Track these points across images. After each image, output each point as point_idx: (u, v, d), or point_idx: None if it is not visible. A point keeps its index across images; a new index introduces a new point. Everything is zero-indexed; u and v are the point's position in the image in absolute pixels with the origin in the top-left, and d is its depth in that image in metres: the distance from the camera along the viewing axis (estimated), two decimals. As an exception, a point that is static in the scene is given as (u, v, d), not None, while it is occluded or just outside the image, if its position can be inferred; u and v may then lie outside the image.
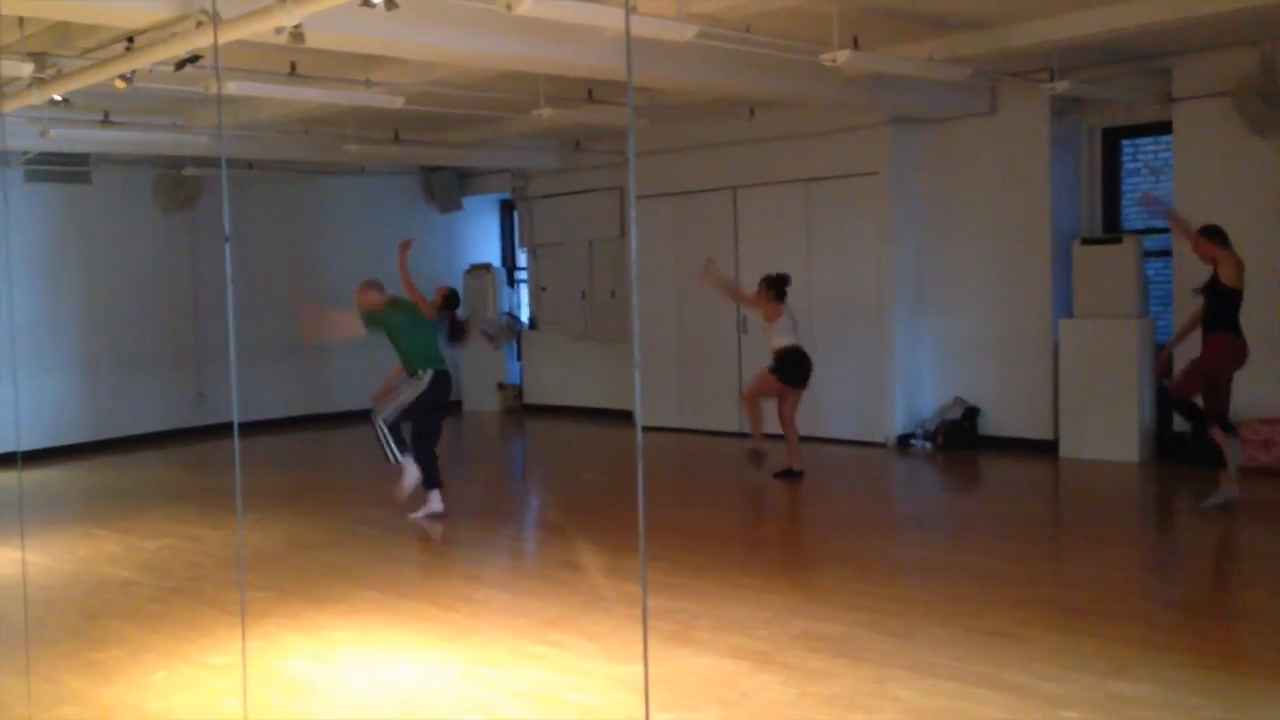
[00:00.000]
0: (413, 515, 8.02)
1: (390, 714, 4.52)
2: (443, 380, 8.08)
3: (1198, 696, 4.35)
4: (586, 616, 5.67)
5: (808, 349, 9.19)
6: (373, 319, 8.21)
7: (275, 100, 9.21)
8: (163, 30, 6.20)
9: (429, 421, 8.09)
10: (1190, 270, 9.17)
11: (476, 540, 7.70)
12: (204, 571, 6.92)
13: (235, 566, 6.99)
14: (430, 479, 8.03)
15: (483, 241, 15.64)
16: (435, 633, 5.53)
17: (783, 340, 9.01)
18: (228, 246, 6.49)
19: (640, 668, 4.94)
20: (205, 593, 6.41)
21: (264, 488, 9.77)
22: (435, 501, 8.06)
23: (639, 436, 2.69)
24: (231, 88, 7.38)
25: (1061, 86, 8.34)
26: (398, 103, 8.22)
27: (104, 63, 6.77)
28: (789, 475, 9.09)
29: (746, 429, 11.55)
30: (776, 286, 9.06)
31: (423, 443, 8.00)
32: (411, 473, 7.97)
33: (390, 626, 5.66)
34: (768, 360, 9.20)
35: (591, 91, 9.20)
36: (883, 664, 4.86)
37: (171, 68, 6.37)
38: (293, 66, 7.82)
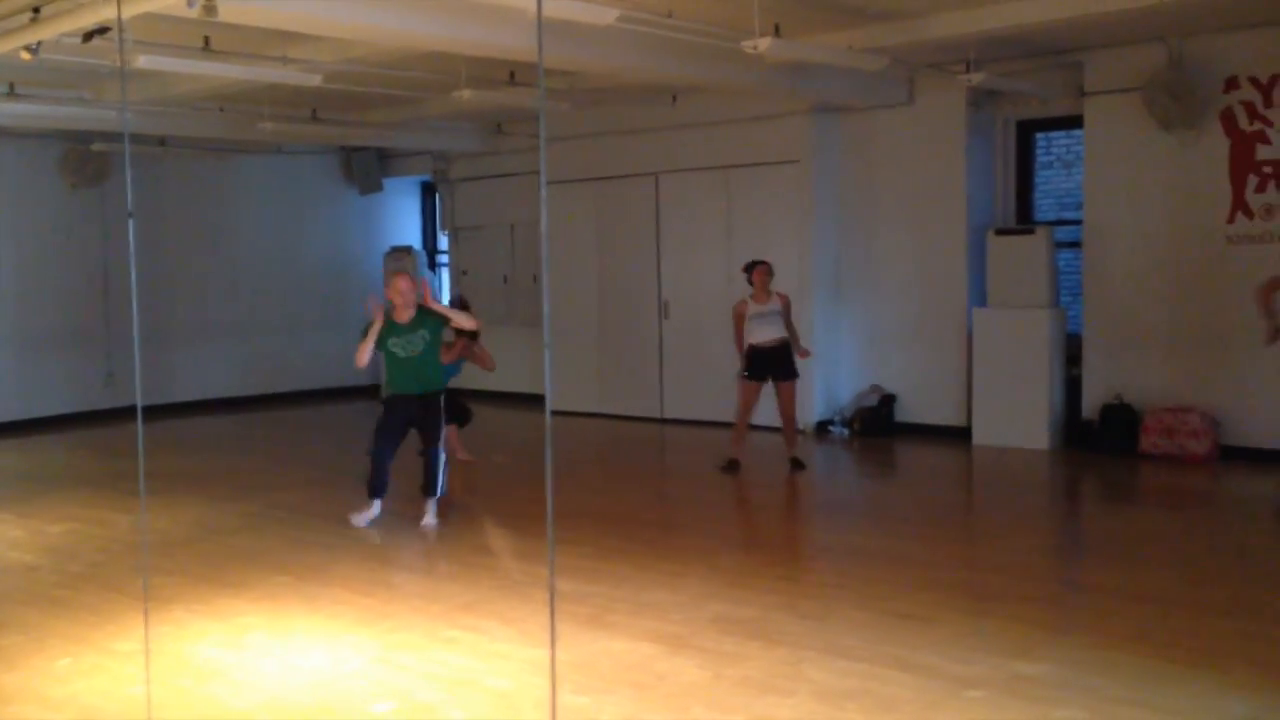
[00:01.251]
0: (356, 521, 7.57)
1: (303, 700, 4.47)
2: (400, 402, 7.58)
3: (1097, 676, 4.47)
4: (503, 601, 5.66)
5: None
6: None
7: (188, 76, 8.99)
8: (69, 0, 6.02)
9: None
10: (1100, 261, 9.41)
11: (393, 526, 7.63)
12: (111, 556, 6.77)
13: (152, 551, 6.85)
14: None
15: (403, 224, 15.47)
16: (349, 618, 5.48)
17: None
18: (131, 223, 6.34)
19: (542, 652, 4.93)
20: (111, 578, 6.28)
21: (176, 472, 9.57)
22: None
23: (549, 419, 2.69)
24: (141, 62, 7.19)
25: (977, 78, 8.48)
26: (314, 80, 8.08)
27: (8, 33, 6.56)
28: (796, 466, 8.97)
29: (669, 414, 11.64)
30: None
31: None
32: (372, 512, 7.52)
33: (303, 612, 5.59)
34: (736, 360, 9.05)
35: (514, 74, 9.13)
36: (797, 646, 4.92)
37: (79, 39, 6.19)
38: (206, 41, 7.64)
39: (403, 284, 7.44)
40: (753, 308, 8.76)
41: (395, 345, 7.44)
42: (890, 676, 4.52)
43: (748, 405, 8.89)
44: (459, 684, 4.58)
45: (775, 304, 8.78)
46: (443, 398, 7.60)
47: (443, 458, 7.49)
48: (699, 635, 5.10)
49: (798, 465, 8.89)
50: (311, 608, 5.66)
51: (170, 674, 4.75)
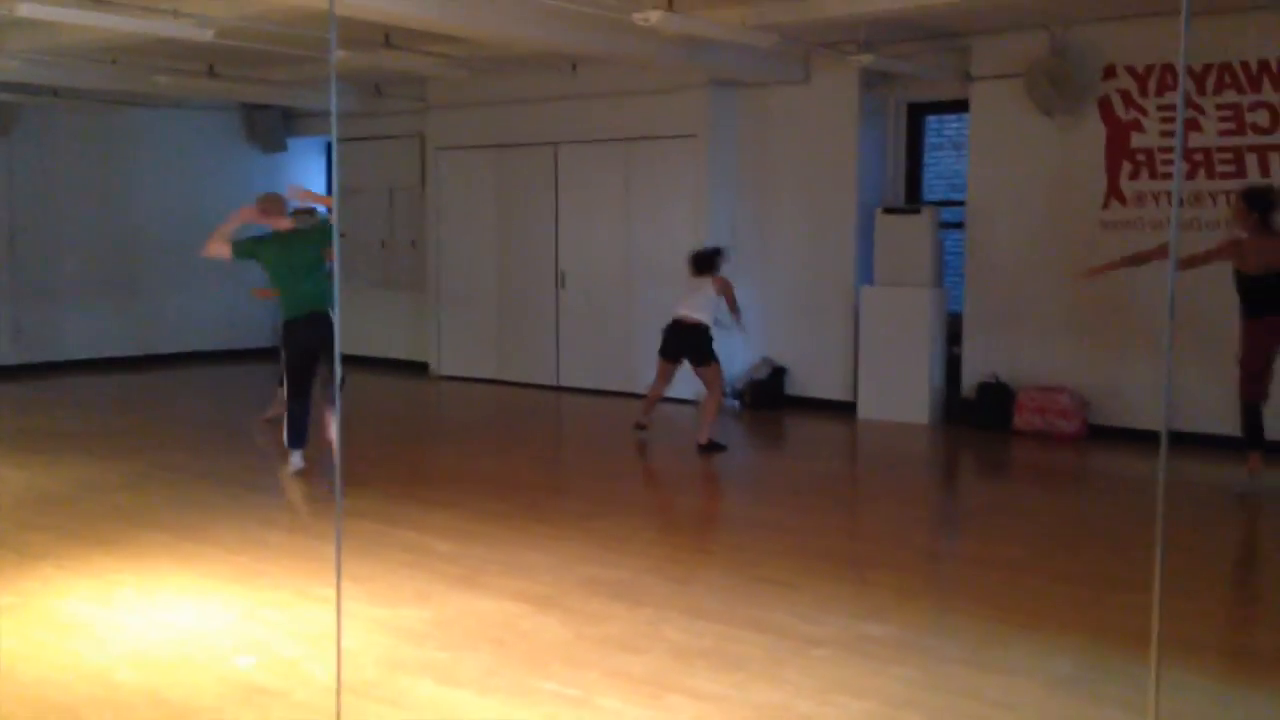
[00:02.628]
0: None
1: (164, 654, 4.51)
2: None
3: (936, 638, 4.72)
4: (358, 561, 5.66)
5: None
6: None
7: (78, 26, 8.81)
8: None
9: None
10: (981, 243, 9.70)
11: (275, 487, 7.64)
12: (-14, 513, 6.71)
13: (26, 508, 6.81)
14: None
15: (308, 184, 15.25)
16: (222, 575, 5.52)
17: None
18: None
19: (411, 611, 5.06)
20: (-16, 534, 6.22)
21: (64, 430, 9.48)
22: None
23: (337, 374, 2.77)
24: (23, 10, 7.05)
25: (867, 59, 8.68)
26: (206, 35, 7.98)
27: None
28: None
29: (565, 382, 11.75)
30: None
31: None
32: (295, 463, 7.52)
33: (176, 570, 5.61)
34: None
35: (388, 37, 9.11)
36: (659, 607, 5.08)
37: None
38: (95, -9, 7.52)
39: (269, 203, 7.33)
40: (692, 281, 8.80)
41: (281, 260, 7.21)
42: (743, 636, 4.71)
43: (660, 377, 8.96)
44: (323, 639, 4.65)
45: (709, 286, 8.72)
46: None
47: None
48: (567, 596, 5.24)
49: (704, 449, 8.65)
50: (184, 565, 5.68)
51: (32, 629, 4.76)
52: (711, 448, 8.62)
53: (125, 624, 4.88)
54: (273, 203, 7.55)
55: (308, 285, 7.37)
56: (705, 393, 8.98)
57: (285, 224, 7.40)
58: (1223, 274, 7.36)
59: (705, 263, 8.83)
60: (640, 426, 9.06)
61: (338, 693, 3.71)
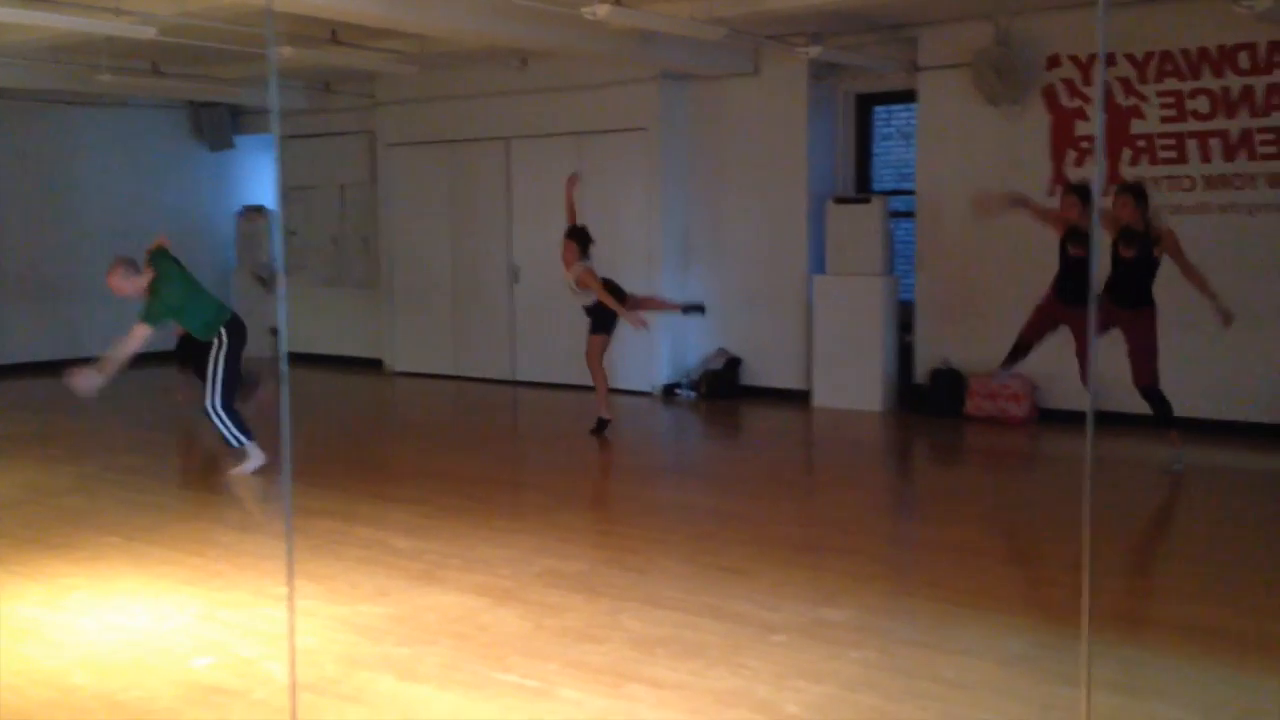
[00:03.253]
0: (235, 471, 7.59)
1: (120, 656, 4.48)
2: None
3: (892, 620, 4.78)
4: (315, 560, 5.65)
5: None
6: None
7: (16, 25, 8.69)
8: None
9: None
10: (931, 231, 9.80)
11: (226, 487, 7.58)
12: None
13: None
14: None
15: (257, 182, 15.15)
16: (177, 577, 5.48)
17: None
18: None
19: (370, 607, 5.06)
20: (-69, 541, 6.13)
21: (10, 434, 9.35)
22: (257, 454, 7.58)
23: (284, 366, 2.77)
24: (-38, 9, 6.95)
25: (815, 52, 8.74)
26: (149, 33, 7.90)
27: None
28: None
29: (521, 377, 11.74)
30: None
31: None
32: (256, 457, 7.52)
33: (130, 572, 5.56)
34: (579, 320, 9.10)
35: (335, 33, 9.06)
36: (618, 598, 5.11)
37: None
38: (34, -11, 7.42)
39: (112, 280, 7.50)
40: (565, 274, 8.82)
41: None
42: (702, 624, 4.75)
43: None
44: (281, 639, 4.63)
45: (572, 280, 8.73)
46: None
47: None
48: (526, 589, 5.25)
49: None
50: (138, 568, 5.64)
51: (-16, 634, 4.71)
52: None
53: (79, 628, 4.83)
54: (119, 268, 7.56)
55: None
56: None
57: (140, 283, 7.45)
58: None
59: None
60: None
61: (292, 690, 3.70)
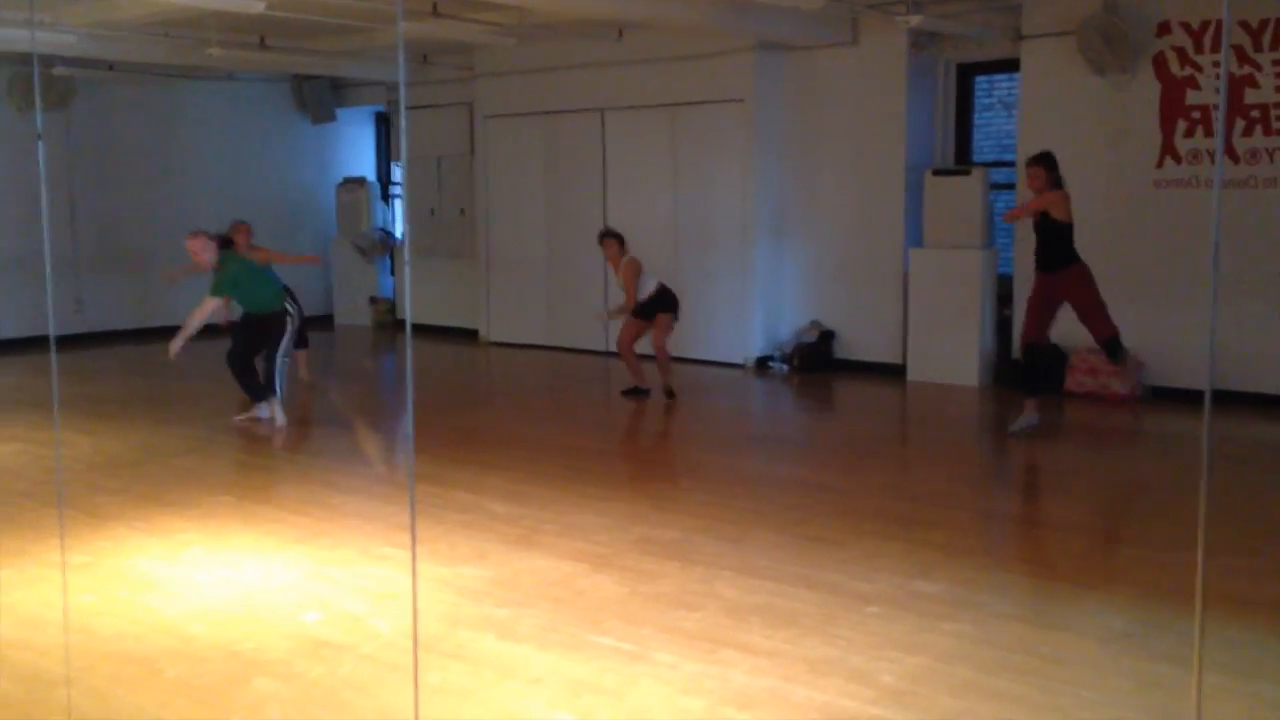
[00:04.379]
0: (238, 418, 8.48)
1: (234, 610, 4.67)
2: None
3: (987, 594, 4.76)
4: (417, 523, 5.79)
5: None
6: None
7: (135, 1, 8.98)
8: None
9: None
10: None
11: (337, 450, 7.80)
12: (55, 476, 6.91)
13: (96, 471, 7.01)
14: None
15: (357, 154, 15.45)
16: (286, 535, 5.68)
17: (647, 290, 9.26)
18: (40, 145, 6.36)
19: (471, 570, 5.19)
20: (55, 497, 6.42)
21: (128, 396, 9.72)
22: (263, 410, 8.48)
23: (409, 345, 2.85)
24: (82, -15, 7.19)
25: (916, 20, 8.62)
26: (258, 7, 8.09)
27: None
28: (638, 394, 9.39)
29: (614, 347, 11.81)
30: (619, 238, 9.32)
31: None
32: (273, 411, 8.38)
33: (242, 530, 5.78)
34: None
35: (436, 6, 9.17)
36: (711, 565, 5.17)
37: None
38: (148, -34, 7.65)
39: (192, 244, 8.35)
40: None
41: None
42: (795, 593, 4.79)
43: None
44: (386, 597, 4.80)
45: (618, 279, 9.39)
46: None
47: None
48: (621, 555, 5.34)
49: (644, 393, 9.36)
50: (250, 526, 5.85)
51: (108, 586, 4.94)
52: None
53: (195, 581, 5.04)
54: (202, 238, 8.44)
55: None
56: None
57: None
58: None
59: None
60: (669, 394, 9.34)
61: (414, 643, 3.83)
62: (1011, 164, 9.99)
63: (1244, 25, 8.50)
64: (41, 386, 10.43)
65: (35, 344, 12.07)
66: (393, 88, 14.02)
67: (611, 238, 9.27)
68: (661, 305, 9.25)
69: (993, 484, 7.33)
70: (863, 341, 10.62)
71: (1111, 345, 7.74)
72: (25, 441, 7.88)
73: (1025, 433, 7.87)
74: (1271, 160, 8.48)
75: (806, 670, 4.02)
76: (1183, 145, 8.88)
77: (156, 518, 5.99)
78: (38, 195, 12.32)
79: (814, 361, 10.65)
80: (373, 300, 14.67)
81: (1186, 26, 8.78)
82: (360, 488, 6.92)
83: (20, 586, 4.96)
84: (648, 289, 9.20)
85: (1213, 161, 8.76)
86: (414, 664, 3.66)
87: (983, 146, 10.62)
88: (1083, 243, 9.31)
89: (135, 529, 5.78)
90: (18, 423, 8.53)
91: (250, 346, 8.56)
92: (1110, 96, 9.14)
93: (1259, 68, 8.50)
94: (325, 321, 13.99)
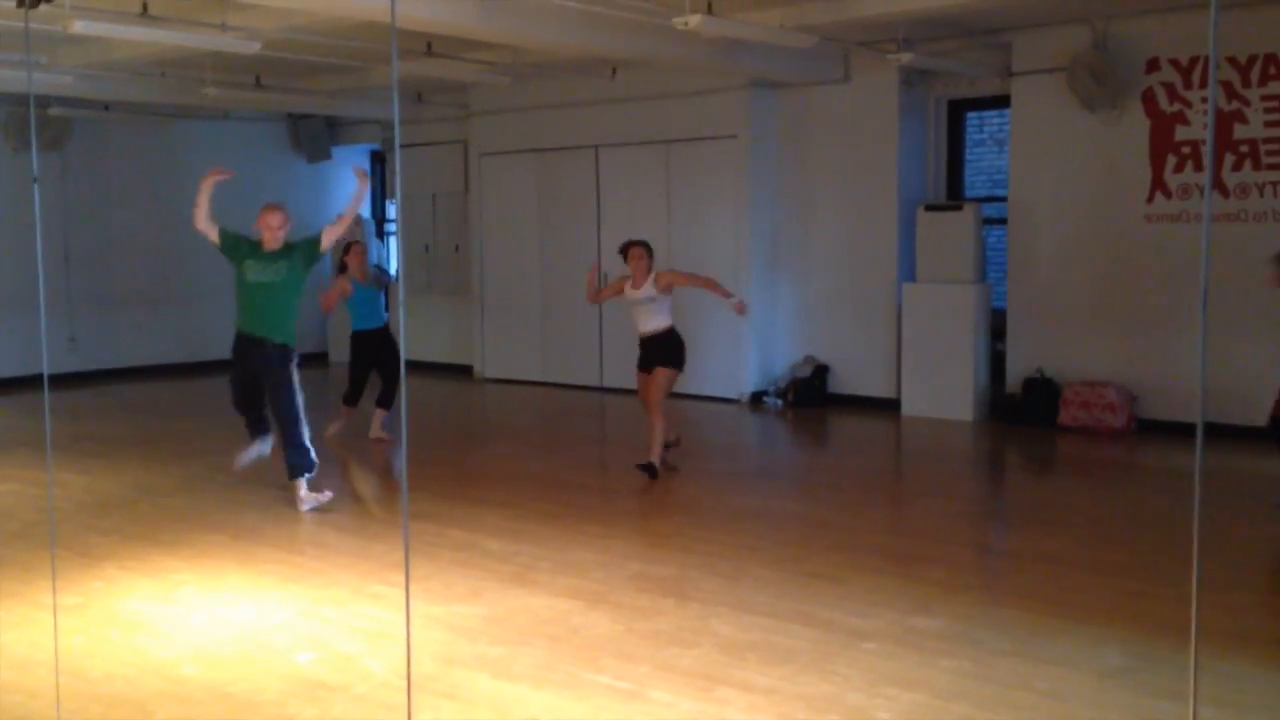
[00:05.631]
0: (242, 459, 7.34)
1: (226, 650, 4.64)
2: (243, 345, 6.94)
3: (986, 630, 4.74)
4: (411, 561, 5.75)
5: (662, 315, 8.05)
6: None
7: (127, 41, 9.02)
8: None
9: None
10: (1024, 238, 9.69)
11: (331, 489, 7.77)
12: (46, 516, 6.86)
13: (88, 511, 6.97)
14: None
15: (350, 193, 15.46)
16: (280, 574, 5.65)
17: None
18: (36, 187, 6.37)
19: (465, 608, 5.16)
20: (45, 537, 6.37)
21: (121, 435, 9.69)
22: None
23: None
24: (77, 27, 7.23)
25: (907, 57, 8.69)
26: (254, 48, 8.15)
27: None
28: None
29: (609, 383, 11.80)
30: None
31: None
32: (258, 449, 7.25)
33: (235, 569, 5.75)
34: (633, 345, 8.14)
35: (430, 45, 9.24)
36: (708, 602, 5.15)
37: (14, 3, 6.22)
38: (145, 6, 7.68)
39: (273, 219, 6.88)
40: (630, 293, 7.87)
41: (250, 267, 6.78)
42: (792, 630, 4.76)
43: (643, 397, 8.06)
44: (380, 636, 4.77)
45: (651, 290, 7.77)
46: (293, 360, 6.87)
47: (304, 433, 6.85)
48: (617, 592, 5.31)
49: (649, 469, 7.73)
50: (243, 565, 5.82)
51: (99, 626, 4.91)
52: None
53: (188, 621, 5.01)
54: (269, 213, 7.06)
55: (268, 303, 6.86)
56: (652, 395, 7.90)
57: (275, 245, 6.95)
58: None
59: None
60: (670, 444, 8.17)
61: (408, 683, 3.80)
62: (1003, 199, 10.04)
63: (1232, 61, 8.58)
64: (34, 425, 10.40)
65: (28, 383, 12.06)
66: (388, 126, 14.10)
67: (640, 245, 7.86)
68: (661, 356, 7.89)
69: (988, 519, 7.31)
70: (857, 376, 10.63)
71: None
72: (17, 481, 7.84)
73: None
74: (1261, 195, 8.53)
75: (803, 708, 3.99)
76: (1173, 180, 8.94)
77: (149, 557, 5.95)
78: (32, 234, 12.38)
79: (808, 396, 10.65)
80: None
81: (1175, 63, 8.86)
82: (354, 526, 6.89)
83: (11, 628, 4.93)
84: (652, 325, 7.92)
85: (1204, 196, 8.82)
86: (408, 705, 3.63)
87: (974, 181, 10.69)
88: (1074, 277, 9.42)
89: (127, 569, 5.75)
90: (10, 462, 8.50)
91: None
92: (1100, 132, 9.20)
93: (1247, 103, 8.57)
94: (320, 359, 13.97)
